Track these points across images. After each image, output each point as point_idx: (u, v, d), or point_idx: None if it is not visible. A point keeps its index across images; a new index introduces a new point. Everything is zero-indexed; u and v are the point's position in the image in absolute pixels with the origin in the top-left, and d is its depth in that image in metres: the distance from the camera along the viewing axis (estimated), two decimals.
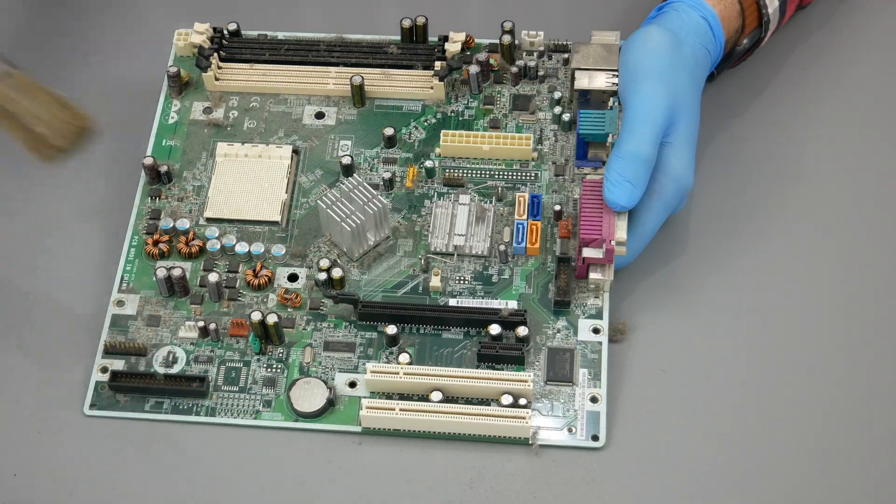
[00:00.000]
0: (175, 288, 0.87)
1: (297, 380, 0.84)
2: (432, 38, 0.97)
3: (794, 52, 0.98)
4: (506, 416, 0.81)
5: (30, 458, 0.83)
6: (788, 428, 0.83)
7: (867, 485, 0.81)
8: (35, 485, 0.82)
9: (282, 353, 0.86)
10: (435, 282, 0.87)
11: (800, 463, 0.81)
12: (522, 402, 0.82)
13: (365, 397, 0.83)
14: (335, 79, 0.95)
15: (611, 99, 0.90)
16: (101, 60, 1.00)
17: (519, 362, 0.84)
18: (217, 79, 0.95)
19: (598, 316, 0.86)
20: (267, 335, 0.85)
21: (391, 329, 0.85)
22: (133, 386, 0.84)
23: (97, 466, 0.82)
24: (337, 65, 0.95)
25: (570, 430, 0.82)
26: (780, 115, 0.95)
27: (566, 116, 0.93)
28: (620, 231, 0.84)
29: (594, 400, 0.83)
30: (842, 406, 0.83)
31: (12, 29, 1.01)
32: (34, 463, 0.83)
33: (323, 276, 0.87)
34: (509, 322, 0.85)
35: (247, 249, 0.89)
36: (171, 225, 0.90)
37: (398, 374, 0.83)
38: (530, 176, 0.91)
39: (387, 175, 0.91)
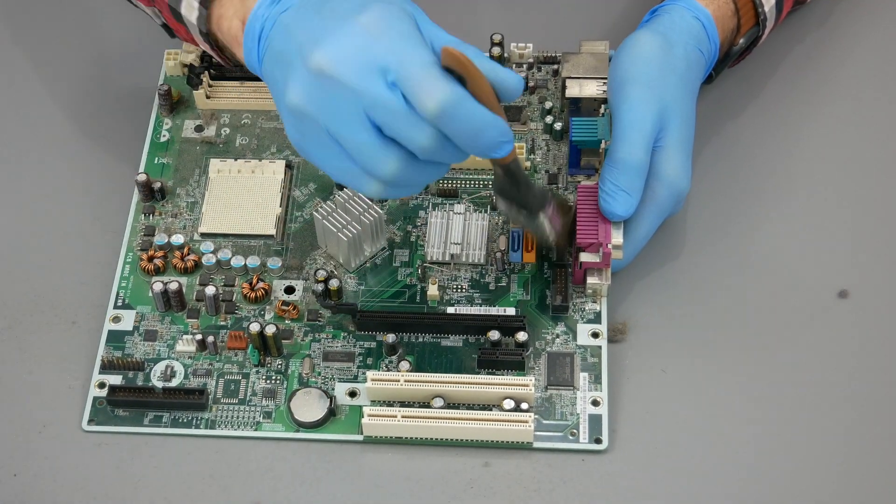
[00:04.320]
0: (171, 302, 0.87)
1: (297, 390, 0.84)
2: None
3: (791, 52, 0.98)
4: (508, 421, 0.81)
5: (29, 480, 0.82)
6: (789, 426, 0.83)
7: (870, 485, 0.81)
8: None
9: (280, 364, 0.85)
10: (432, 290, 0.87)
11: (800, 461, 0.81)
12: (524, 406, 0.82)
13: (366, 406, 0.83)
14: None
15: (602, 106, 0.91)
16: (92, 75, 1.00)
17: (519, 367, 0.84)
18: (208, 96, 0.95)
19: (597, 320, 0.86)
20: (265, 347, 0.85)
21: (390, 337, 0.85)
22: (131, 400, 0.84)
23: (98, 482, 0.81)
24: None
25: (571, 434, 0.82)
26: (777, 116, 0.95)
27: (557, 126, 0.93)
28: (617, 235, 0.84)
29: (595, 403, 0.83)
30: (843, 403, 0.83)
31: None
32: (34, 484, 0.82)
33: (320, 287, 0.87)
34: (508, 328, 0.85)
35: (243, 263, 0.89)
36: (166, 241, 0.89)
37: (399, 381, 0.83)
38: None
39: None
